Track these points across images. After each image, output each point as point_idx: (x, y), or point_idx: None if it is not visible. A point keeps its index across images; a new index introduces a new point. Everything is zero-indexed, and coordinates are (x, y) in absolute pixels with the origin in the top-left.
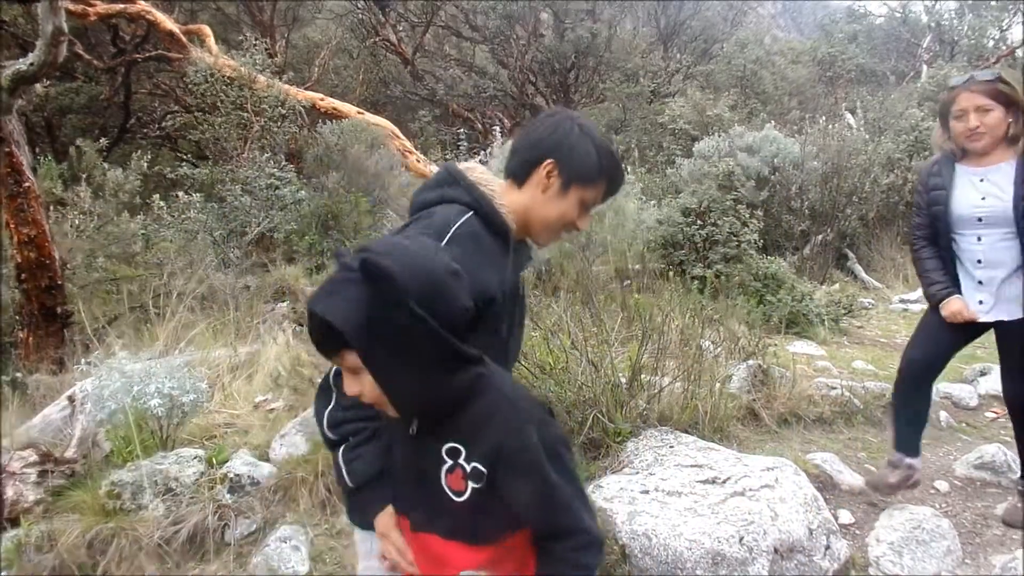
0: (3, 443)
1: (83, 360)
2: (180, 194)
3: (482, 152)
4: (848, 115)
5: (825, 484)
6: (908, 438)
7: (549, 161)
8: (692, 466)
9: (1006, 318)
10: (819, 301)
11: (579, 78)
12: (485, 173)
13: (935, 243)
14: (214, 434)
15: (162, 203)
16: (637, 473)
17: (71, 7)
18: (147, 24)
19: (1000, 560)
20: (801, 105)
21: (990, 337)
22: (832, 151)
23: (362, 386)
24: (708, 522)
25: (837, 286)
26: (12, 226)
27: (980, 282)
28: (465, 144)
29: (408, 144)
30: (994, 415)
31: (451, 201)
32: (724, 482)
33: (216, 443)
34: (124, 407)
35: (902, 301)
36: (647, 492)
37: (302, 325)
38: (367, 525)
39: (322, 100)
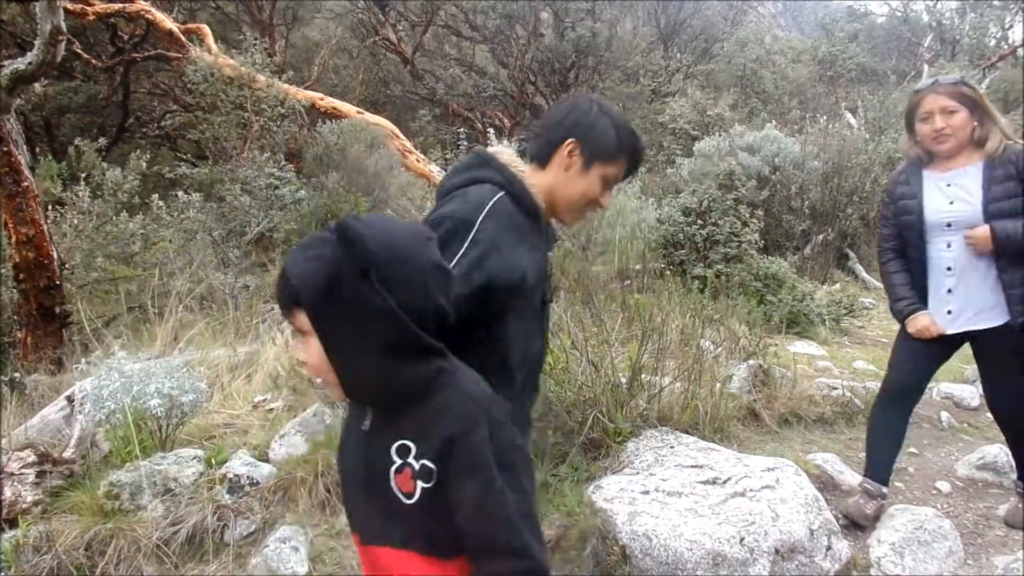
0: (1, 443)
1: (82, 360)
2: (179, 194)
3: None
4: (849, 115)
5: (826, 484)
6: (885, 463)
7: (570, 140)
8: (692, 466)
9: (976, 327)
10: (820, 301)
11: (579, 77)
12: (513, 156)
13: (903, 255)
14: (213, 434)
15: (161, 203)
16: (637, 473)
17: (69, 6)
18: (146, 23)
19: (1002, 561)
20: (802, 104)
21: None
22: (833, 151)
23: (309, 353)
24: (709, 523)
25: (838, 286)
26: (10, 226)
27: (950, 291)
28: (465, 144)
29: (408, 144)
30: None
31: (483, 181)
32: (725, 482)
33: (215, 443)
34: (123, 407)
35: None
36: (647, 492)
37: None
38: None
39: (322, 100)
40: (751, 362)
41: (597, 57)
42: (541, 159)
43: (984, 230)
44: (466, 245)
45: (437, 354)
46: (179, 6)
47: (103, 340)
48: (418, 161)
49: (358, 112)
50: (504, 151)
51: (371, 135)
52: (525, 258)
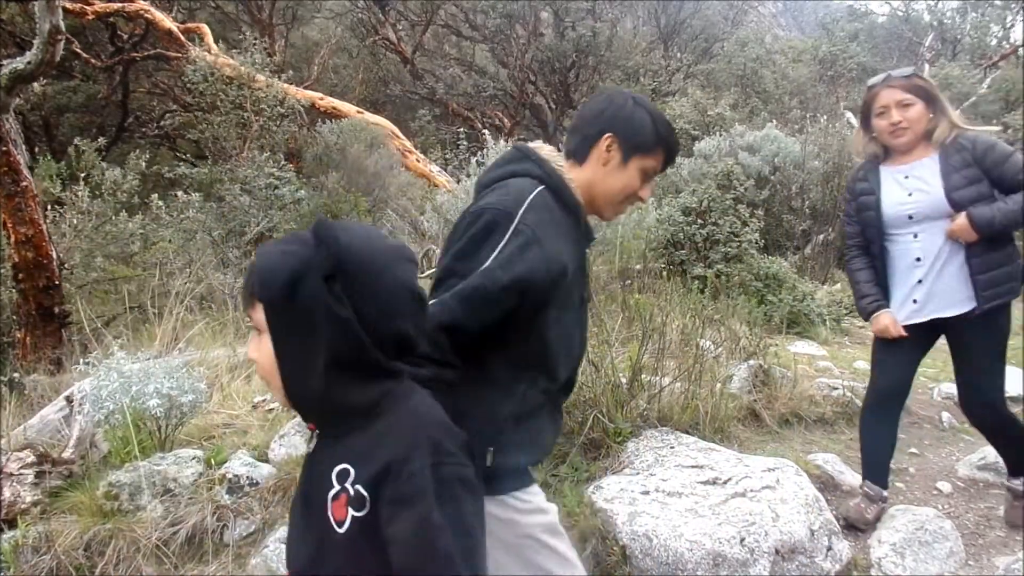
0: (1, 443)
1: (81, 360)
2: (179, 193)
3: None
4: (849, 114)
5: (827, 485)
6: (881, 465)
7: (608, 135)
8: (693, 467)
9: (946, 315)
10: (820, 301)
11: (579, 77)
12: (552, 151)
13: (867, 252)
14: (213, 435)
15: (160, 202)
16: (637, 474)
17: (69, 5)
18: (145, 23)
19: (1003, 561)
20: (802, 104)
21: None
22: (833, 150)
23: (260, 352)
24: (709, 523)
25: (838, 286)
26: (9, 226)
27: (920, 281)
28: (465, 143)
29: (407, 143)
30: None
31: (522, 175)
32: (725, 483)
33: (215, 443)
34: (122, 407)
35: None
36: (647, 493)
37: None
38: None
39: (321, 99)
40: (751, 362)
41: (597, 57)
42: (578, 155)
43: (963, 220)
44: (507, 236)
45: (390, 376)
46: (178, 6)
47: (102, 340)
48: (418, 161)
49: (358, 112)
50: (543, 146)
51: (371, 135)
52: (566, 252)
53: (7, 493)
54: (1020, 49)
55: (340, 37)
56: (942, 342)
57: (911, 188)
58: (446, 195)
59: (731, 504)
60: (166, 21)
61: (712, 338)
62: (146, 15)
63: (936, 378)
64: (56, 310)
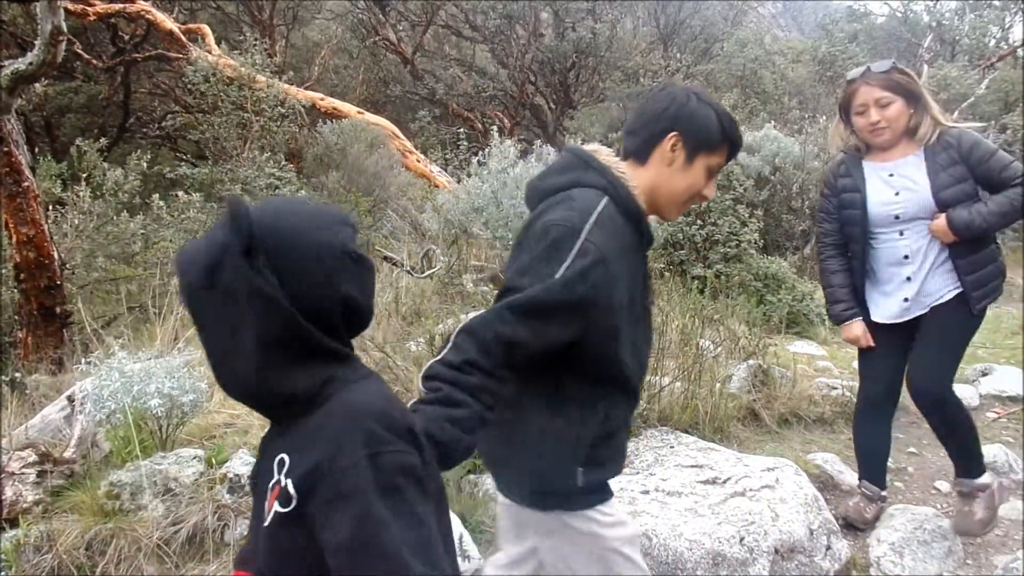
0: (2, 443)
1: (82, 360)
2: (180, 194)
3: (480, 152)
4: None
5: (826, 484)
6: (878, 467)
7: (672, 134)
8: (692, 466)
9: (927, 312)
10: (820, 301)
11: (579, 78)
12: (612, 155)
13: (843, 252)
14: (214, 434)
15: (162, 203)
16: (637, 473)
17: (70, 6)
18: (146, 23)
19: (1002, 561)
20: (801, 105)
21: (992, 336)
22: (833, 151)
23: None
24: (708, 522)
25: None
26: (11, 226)
27: (908, 279)
28: (465, 144)
29: (408, 144)
30: (996, 415)
31: (585, 185)
32: (724, 482)
33: (216, 443)
34: (123, 407)
35: None
36: (647, 492)
37: None
38: None
39: (322, 100)
40: (751, 362)
41: (597, 57)
42: (640, 156)
43: (942, 222)
44: (573, 254)
45: (333, 357)
46: (179, 6)
47: (103, 340)
48: (418, 161)
49: (358, 112)
50: (602, 150)
51: (371, 135)
52: (627, 273)
53: (9, 492)
54: (1019, 50)
55: (340, 38)
56: None
57: (898, 187)
58: (446, 195)
59: (730, 503)
60: (167, 22)
61: (711, 338)
62: (147, 16)
63: None
64: (58, 310)
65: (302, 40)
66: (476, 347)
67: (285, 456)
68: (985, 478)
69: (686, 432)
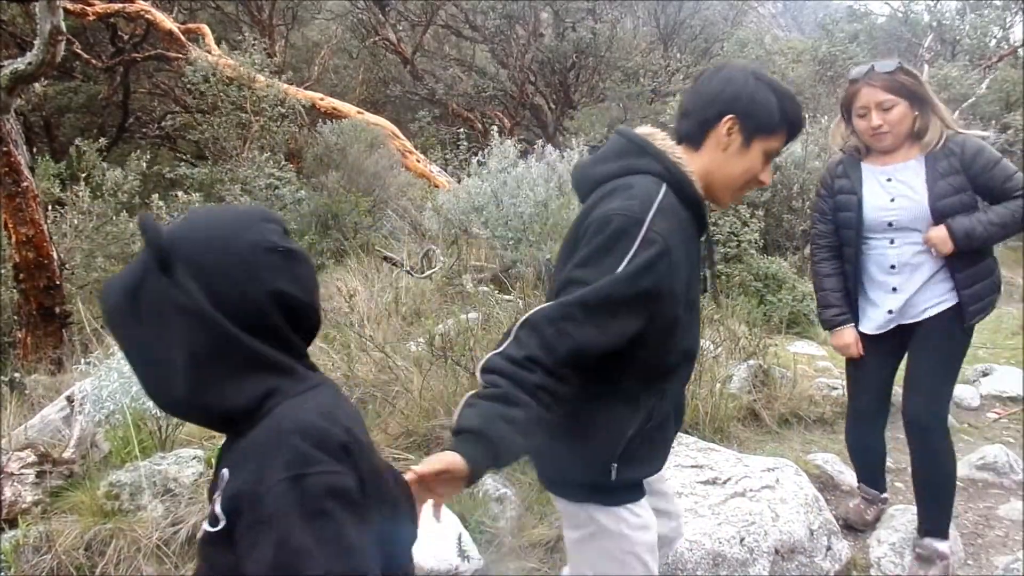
0: (1, 443)
1: (82, 360)
2: (179, 194)
3: (480, 152)
4: None
5: (826, 484)
6: (875, 472)
7: (729, 117)
8: (692, 467)
9: (919, 319)
10: None
11: (579, 78)
12: (667, 139)
13: (838, 255)
14: (213, 434)
15: (161, 203)
16: None
17: (69, 6)
18: (146, 23)
19: (1002, 561)
20: (802, 104)
21: (992, 336)
22: (834, 151)
23: None
24: (709, 523)
25: None
26: (10, 226)
27: (895, 289)
28: (465, 144)
29: (408, 144)
30: (996, 415)
31: (643, 172)
32: (725, 483)
33: (215, 443)
34: (123, 407)
35: None
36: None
37: None
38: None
39: (322, 100)
40: (751, 362)
41: (597, 57)
42: (694, 140)
43: (942, 232)
44: (636, 245)
45: (274, 369)
46: (179, 6)
47: (103, 340)
48: (418, 161)
49: (358, 112)
50: (656, 133)
51: (371, 135)
52: (686, 262)
53: (8, 493)
54: (1019, 50)
55: (340, 38)
56: None
57: (895, 193)
58: (446, 195)
59: (731, 504)
60: (167, 22)
61: (712, 338)
62: (147, 16)
63: None
64: (57, 310)
65: (302, 40)
66: (538, 342)
67: (226, 471)
68: (946, 547)
69: (686, 432)
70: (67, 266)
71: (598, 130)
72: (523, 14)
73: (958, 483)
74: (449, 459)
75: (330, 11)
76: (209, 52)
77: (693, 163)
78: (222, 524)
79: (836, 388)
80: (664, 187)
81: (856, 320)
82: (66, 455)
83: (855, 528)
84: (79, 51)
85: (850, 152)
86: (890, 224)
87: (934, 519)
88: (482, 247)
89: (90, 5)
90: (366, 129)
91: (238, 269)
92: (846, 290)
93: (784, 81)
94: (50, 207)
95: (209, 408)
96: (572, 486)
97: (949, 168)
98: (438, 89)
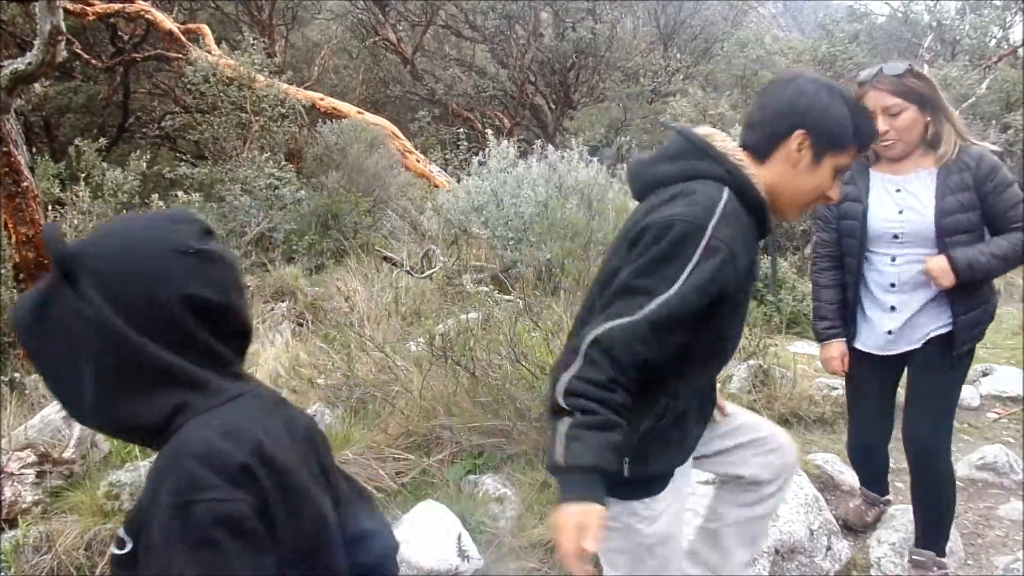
0: (1, 443)
1: None
2: (179, 194)
3: (480, 152)
4: None
5: (826, 485)
6: (878, 478)
7: (800, 132)
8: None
9: (915, 347)
10: None
11: (579, 78)
12: (727, 141)
13: (839, 265)
14: None
15: (161, 203)
16: None
17: (69, 6)
18: (146, 23)
19: (1002, 561)
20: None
21: (992, 336)
22: None
23: None
24: None
25: None
26: (10, 226)
27: (893, 308)
28: (465, 144)
29: (408, 144)
30: (996, 415)
31: (703, 175)
32: None
33: None
34: None
35: None
36: None
37: (301, 325)
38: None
39: (322, 100)
40: (751, 362)
41: (597, 57)
42: (761, 152)
43: (943, 263)
44: (699, 252)
45: (185, 383)
46: (179, 6)
47: None
48: (418, 161)
49: (358, 112)
50: (715, 134)
51: (371, 135)
52: (744, 265)
53: (8, 493)
54: (1019, 50)
55: (340, 38)
56: None
57: (903, 205)
58: (446, 195)
59: None
60: (167, 22)
61: None
62: (147, 16)
63: None
64: None
65: (302, 40)
66: (611, 362)
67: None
68: (945, 561)
69: None
70: None
71: (598, 130)
72: (523, 14)
73: (957, 483)
74: (587, 512)
75: (330, 11)
76: (209, 52)
77: (759, 176)
78: (128, 547)
79: (836, 388)
80: (727, 192)
81: (851, 334)
82: (66, 455)
83: (854, 527)
84: (79, 51)
85: (859, 158)
86: (895, 237)
87: (933, 534)
88: (482, 247)
89: (90, 5)
90: (366, 129)
91: (144, 275)
92: (843, 302)
93: None
94: (50, 207)
95: (122, 424)
96: None
97: (960, 184)
98: (438, 89)
